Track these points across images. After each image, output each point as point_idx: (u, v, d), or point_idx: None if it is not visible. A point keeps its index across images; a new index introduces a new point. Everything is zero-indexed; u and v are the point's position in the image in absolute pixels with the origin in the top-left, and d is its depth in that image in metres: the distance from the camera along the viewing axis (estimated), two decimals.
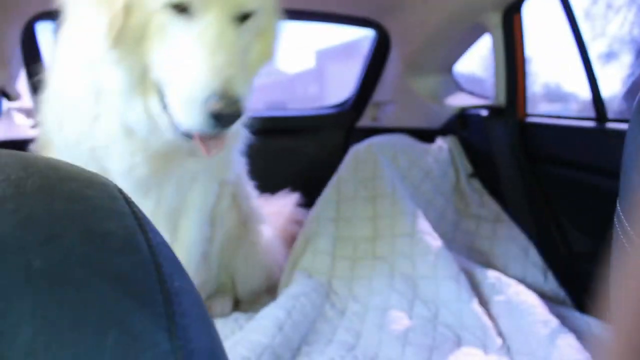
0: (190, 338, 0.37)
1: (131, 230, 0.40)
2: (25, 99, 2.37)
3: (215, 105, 1.17)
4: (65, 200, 0.38)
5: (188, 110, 1.21)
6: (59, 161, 0.44)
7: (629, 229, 0.65)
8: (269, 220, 2.45)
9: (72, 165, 0.43)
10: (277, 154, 3.04)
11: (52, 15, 2.38)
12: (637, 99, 0.68)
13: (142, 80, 1.32)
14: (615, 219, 0.71)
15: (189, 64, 1.20)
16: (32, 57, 2.38)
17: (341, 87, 3.43)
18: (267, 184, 2.62)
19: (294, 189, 2.75)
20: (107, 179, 0.46)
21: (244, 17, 1.31)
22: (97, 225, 0.38)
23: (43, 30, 2.47)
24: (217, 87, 1.17)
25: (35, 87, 1.69)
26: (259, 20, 1.39)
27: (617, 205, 0.71)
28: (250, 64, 1.45)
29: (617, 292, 0.70)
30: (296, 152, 3.13)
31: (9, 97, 2.27)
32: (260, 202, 2.57)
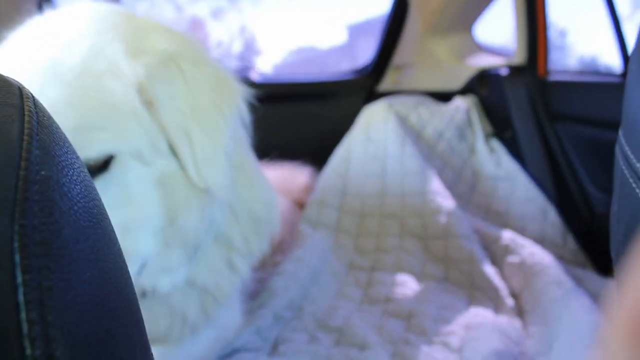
0: (38, 226, 0.35)
1: (9, 119, 0.39)
2: None
3: None
4: None
5: None
6: None
7: (629, 153, 0.60)
8: (284, 190, 2.42)
9: None
10: (296, 120, 3.01)
11: None
12: None
13: None
14: (617, 147, 0.66)
15: None
16: None
17: None
18: (286, 150, 2.58)
19: (313, 155, 2.71)
20: (12, 79, 0.46)
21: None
22: None
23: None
24: None
25: None
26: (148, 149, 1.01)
27: (620, 132, 0.66)
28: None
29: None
30: (316, 118, 3.08)
31: None
32: (277, 170, 2.54)
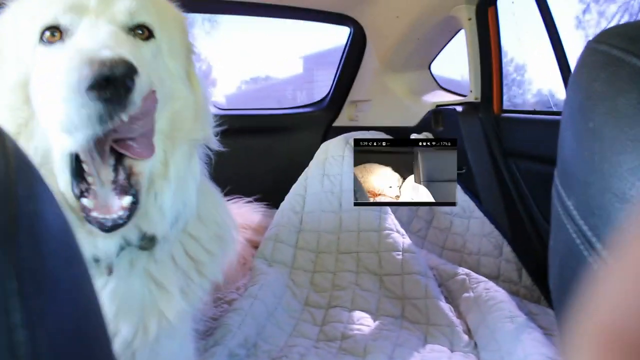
0: (27, 256, 0.38)
1: None
2: None
3: (92, 69, 0.85)
4: None
5: (66, 114, 0.89)
6: None
7: (561, 191, 0.62)
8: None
9: None
10: (252, 153, 2.98)
11: None
12: (575, 64, 0.65)
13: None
14: (552, 186, 0.69)
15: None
16: None
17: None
18: (241, 184, 2.56)
19: (268, 190, 2.69)
20: None
21: (137, 35, 1.08)
22: None
23: None
24: (86, 56, 0.87)
25: None
26: (171, 56, 1.16)
27: (555, 172, 0.69)
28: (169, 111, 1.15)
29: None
30: (271, 152, 3.06)
31: None
32: (230, 207, 2.51)
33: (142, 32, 1.09)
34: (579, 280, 0.52)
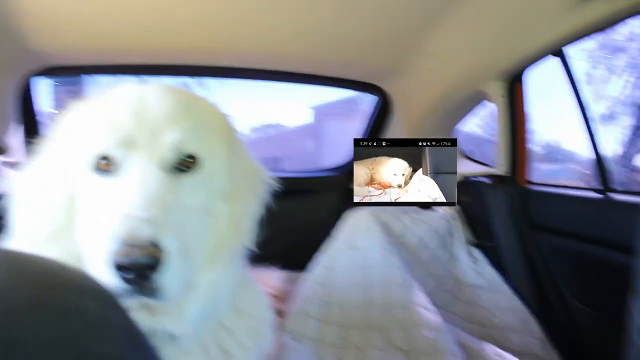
0: None
1: (124, 350, 0.41)
2: (17, 152, 2.32)
3: (118, 254, 0.88)
4: (57, 317, 0.37)
5: (98, 272, 0.91)
6: (50, 262, 0.43)
7: None
8: None
9: (63, 268, 0.43)
10: (270, 216, 2.96)
11: (48, 72, 2.38)
12: None
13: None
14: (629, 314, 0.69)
15: (103, 220, 0.97)
16: (27, 112, 2.38)
17: (338, 143, 3.38)
18: (260, 247, 2.54)
19: (288, 251, 2.68)
20: (101, 285, 0.49)
21: (183, 167, 1.09)
22: (90, 346, 0.38)
23: (39, 86, 2.49)
24: (122, 232, 0.90)
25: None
26: (216, 177, 1.17)
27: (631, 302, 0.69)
28: (213, 233, 1.17)
29: None
30: (291, 215, 3.04)
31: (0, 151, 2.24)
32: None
33: (189, 158, 1.10)
34: None
